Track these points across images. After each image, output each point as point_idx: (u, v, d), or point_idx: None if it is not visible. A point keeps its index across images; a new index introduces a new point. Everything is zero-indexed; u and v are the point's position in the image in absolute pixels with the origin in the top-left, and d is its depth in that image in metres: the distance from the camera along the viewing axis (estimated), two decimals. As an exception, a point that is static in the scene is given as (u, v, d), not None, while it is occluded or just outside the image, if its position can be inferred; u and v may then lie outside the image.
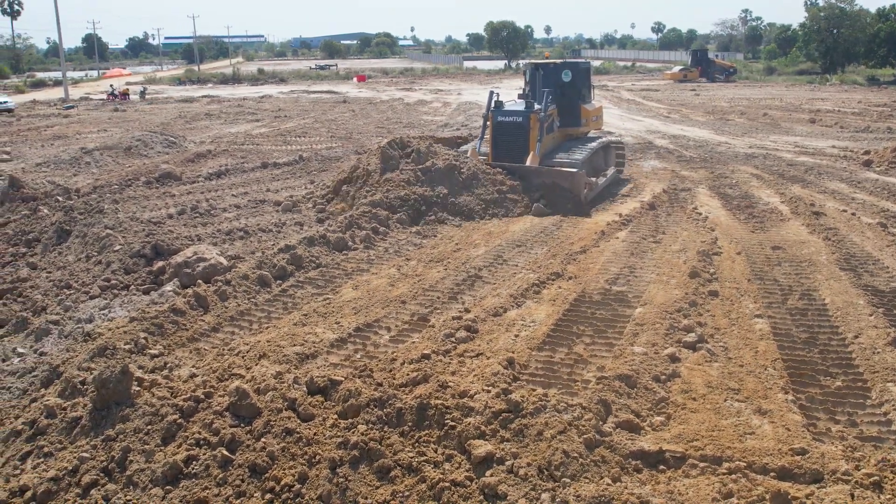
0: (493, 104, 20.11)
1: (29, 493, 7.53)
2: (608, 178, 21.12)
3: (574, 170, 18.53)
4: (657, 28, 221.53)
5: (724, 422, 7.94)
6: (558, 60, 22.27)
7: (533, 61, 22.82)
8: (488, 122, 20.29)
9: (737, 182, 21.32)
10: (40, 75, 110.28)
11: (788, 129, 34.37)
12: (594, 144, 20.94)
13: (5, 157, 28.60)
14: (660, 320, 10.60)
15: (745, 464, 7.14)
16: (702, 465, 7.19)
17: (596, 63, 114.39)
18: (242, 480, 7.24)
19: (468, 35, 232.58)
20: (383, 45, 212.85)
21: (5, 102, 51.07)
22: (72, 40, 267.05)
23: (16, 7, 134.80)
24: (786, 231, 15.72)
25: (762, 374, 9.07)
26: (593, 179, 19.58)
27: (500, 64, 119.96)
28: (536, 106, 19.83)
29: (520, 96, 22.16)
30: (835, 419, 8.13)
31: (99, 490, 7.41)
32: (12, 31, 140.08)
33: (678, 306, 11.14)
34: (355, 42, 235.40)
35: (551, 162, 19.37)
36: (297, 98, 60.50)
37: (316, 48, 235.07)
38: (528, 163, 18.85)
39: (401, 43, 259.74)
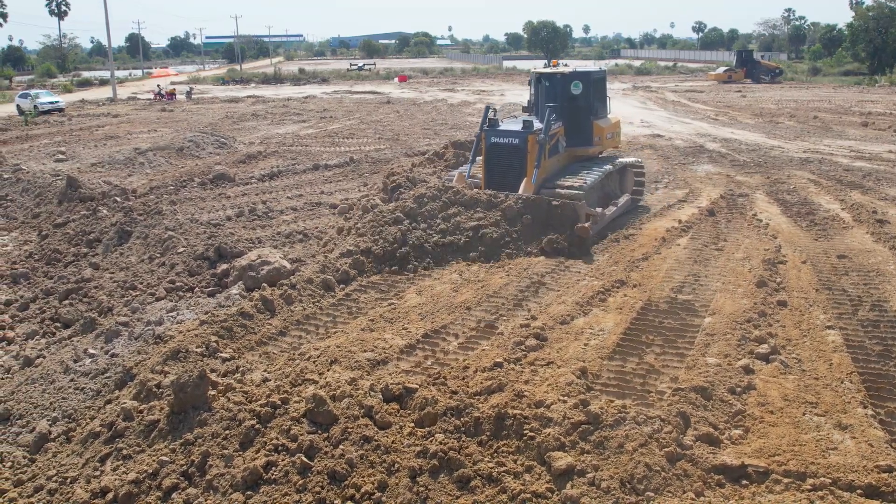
0: (486, 122, 17.51)
1: (110, 495, 7.67)
2: (619, 206, 18.02)
3: (578, 196, 15.87)
4: (698, 27, 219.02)
5: (804, 436, 7.83)
6: (566, 70, 18.85)
7: (538, 70, 19.70)
8: (481, 144, 17.49)
9: (794, 188, 20.97)
10: (85, 74, 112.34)
11: (840, 132, 33.75)
12: (607, 167, 17.98)
13: (61, 157, 29.15)
14: (730, 331, 10.48)
15: (830, 480, 7.05)
16: (786, 480, 7.11)
17: (636, 63, 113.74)
18: (322, 487, 7.29)
19: (506, 34, 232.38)
20: (421, 44, 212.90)
21: (56, 102, 52.00)
22: (115, 39, 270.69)
23: (63, 8, 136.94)
24: (850, 239, 15.45)
25: (839, 388, 8.93)
26: (599, 210, 16.75)
27: (540, 64, 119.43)
28: (537, 125, 17.02)
29: (524, 108, 20.02)
30: (917, 436, 7.98)
31: (180, 494, 7.52)
32: (59, 31, 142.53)
33: (748, 316, 11.00)
34: (393, 42, 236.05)
35: (551, 189, 16.59)
36: (340, 98, 60.83)
37: (355, 48, 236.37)
38: (520, 191, 16.03)
39: (438, 42, 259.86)
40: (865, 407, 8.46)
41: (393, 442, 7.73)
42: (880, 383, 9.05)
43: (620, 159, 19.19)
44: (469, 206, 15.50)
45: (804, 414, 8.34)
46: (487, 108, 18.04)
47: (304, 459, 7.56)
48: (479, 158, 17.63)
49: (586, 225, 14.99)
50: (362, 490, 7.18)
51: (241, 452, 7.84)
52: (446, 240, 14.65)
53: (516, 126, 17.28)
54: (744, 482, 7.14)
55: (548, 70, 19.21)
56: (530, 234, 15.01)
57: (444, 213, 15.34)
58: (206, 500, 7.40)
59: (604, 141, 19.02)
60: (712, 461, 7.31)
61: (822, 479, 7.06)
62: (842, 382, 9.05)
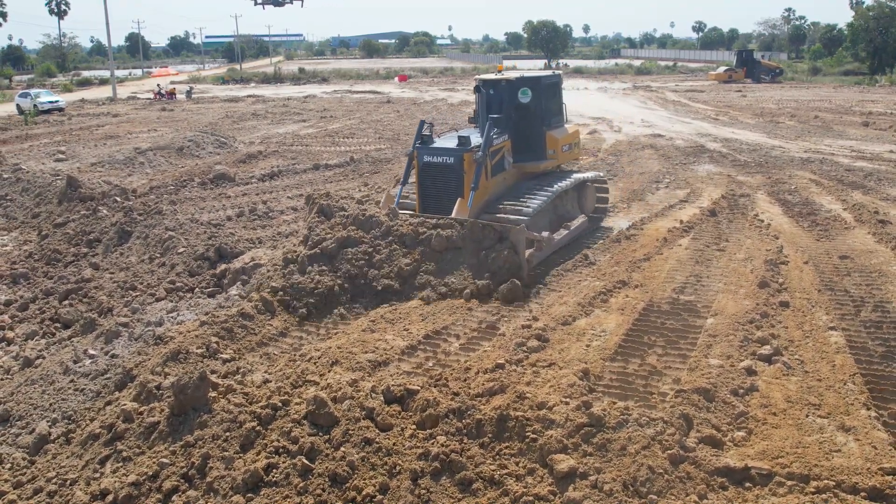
0: (419, 139, 15.37)
1: (110, 498, 7.64)
2: (572, 230, 15.77)
3: (522, 220, 13.93)
4: (698, 27, 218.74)
5: (807, 438, 7.79)
6: (513, 76, 16.55)
7: (481, 76, 17.16)
8: (413, 163, 15.46)
9: (796, 188, 20.92)
10: (85, 74, 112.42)
11: (841, 132, 33.69)
12: (560, 185, 15.85)
13: (61, 156, 29.12)
14: (733, 332, 10.45)
15: (833, 483, 7.00)
16: (789, 483, 7.07)
17: (636, 63, 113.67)
18: (323, 490, 7.26)
19: (506, 34, 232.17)
20: (421, 44, 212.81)
21: (56, 101, 51.99)
22: (115, 39, 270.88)
23: (63, 7, 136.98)
24: (852, 240, 15.40)
25: (842, 390, 8.88)
26: (545, 235, 14.48)
27: (540, 63, 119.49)
28: (476, 140, 15.04)
29: (471, 119, 18.28)
30: (921, 438, 7.94)
31: (180, 496, 7.49)
32: (59, 30, 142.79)
33: (750, 317, 10.97)
34: (394, 41, 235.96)
35: (492, 213, 14.62)
36: (340, 98, 60.83)
37: (354, 47, 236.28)
38: (454, 214, 13.89)
39: (438, 42, 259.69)
40: (869, 409, 8.42)
41: (394, 444, 7.70)
42: (883, 385, 9.02)
43: (578, 175, 17.21)
44: (390, 241, 13.22)
45: (807, 416, 8.29)
46: (422, 122, 15.87)
47: (305, 461, 7.53)
48: (414, 179, 15.62)
49: (530, 251, 13.18)
50: (363, 492, 7.15)
51: (241, 454, 7.81)
52: (350, 286, 12.54)
53: (451, 143, 15.23)
54: (747, 484, 7.09)
55: (491, 76, 16.88)
56: (462, 266, 12.86)
57: (354, 253, 13.00)
58: (206, 503, 7.37)
59: (559, 154, 16.87)
60: (715, 463, 7.27)
61: (826, 481, 7.02)
62: (845, 384, 9.01)
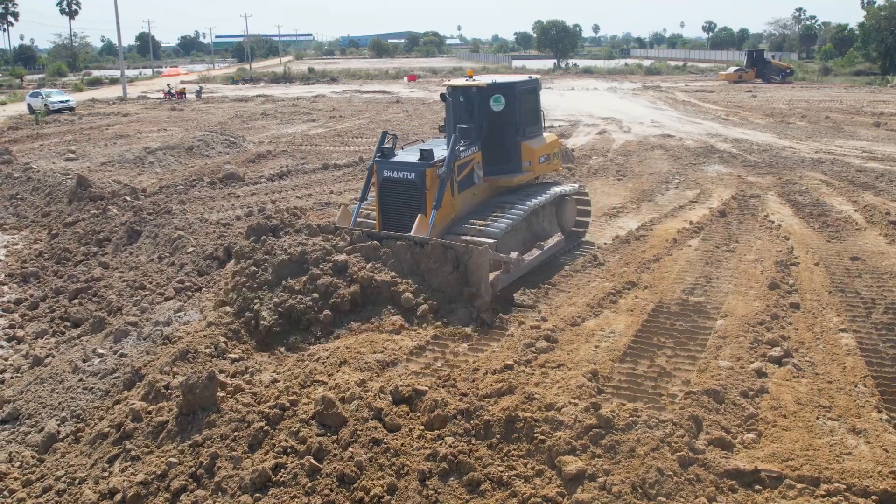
0: (379, 152, 14.04)
1: (119, 496, 7.64)
2: (546, 250, 14.47)
3: (488, 241, 12.63)
4: (708, 27, 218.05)
5: (818, 441, 7.74)
6: (484, 82, 14.86)
7: (451, 83, 15.68)
8: (373, 178, 14.08)
9: (806, 189, 20.83)
10: (96, 73, 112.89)
11: (852, 133, 33.53)
12: (535, 201, 14.37)
13: (72, 156, 29.24)
14: (742, 333, 10.41)
15: (844, 486, 6.96)
16: (799, 486, 7.02)
17: (646, 63, 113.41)
18: (331, 490, 7.24)
19: (516, 34, 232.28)
20: (431, 43, 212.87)
21: (67, 101, 52.22)
22: (126, 39, 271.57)
23: (73, 7, 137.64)
24: (863, 241, 15.32)
25: (853, 392, 8.84)
26: (513, 255, 12.90)
27: (550, 63, 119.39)
28: (438, 154, 13.62)
29: (441, 128, 16.85)
30: (933, 442, 7.88)
31: (189, 496, 7.49)
32: (70, 30, 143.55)
33: (760, 319, 10.93)
34: (403, 41, 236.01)
35: (456, 233, 13.32)
36: (350, 98, 60.93)
37: (364, 46, 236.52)
38: (413, 231, 12.77)
39: (448, 42, 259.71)
40: (880, 411, 8.38)
41: (402, 444, 7.67)
42: (895, 387, 8.96)
43: (556, 188, 15.66)
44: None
45: (818, 418, 8.26)
46: (384, 133, 14.51)
47: (313, 462, 7.51)
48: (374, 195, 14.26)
49: (495, 273, 12.16)
50: (371, 493, 7.13)
51: (249, 454, 7.80)
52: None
53: (413, 157, 13.82)
54: (757, 487, 7.05)
55: (461, 82, 15.40)
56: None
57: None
58: (214, 502, 7.37)
59: (535, 166, 15.38)
60: (725, 466, 7.23)
61: (837, 484, 6.97)
62: (856, 386, 8.97)
